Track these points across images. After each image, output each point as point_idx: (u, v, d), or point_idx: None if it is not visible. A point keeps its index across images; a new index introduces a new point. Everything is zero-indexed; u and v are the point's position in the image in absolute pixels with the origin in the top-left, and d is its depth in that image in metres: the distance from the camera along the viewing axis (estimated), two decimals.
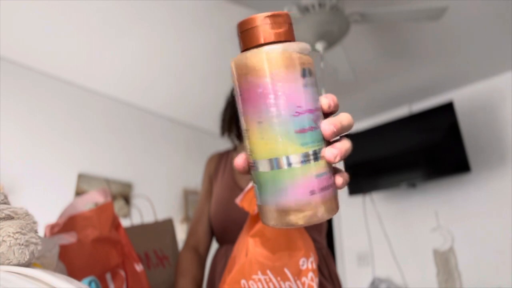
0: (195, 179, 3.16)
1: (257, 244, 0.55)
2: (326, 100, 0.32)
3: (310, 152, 0.30)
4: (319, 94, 0.33)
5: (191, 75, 2.66)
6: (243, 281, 0.53)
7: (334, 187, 0.32)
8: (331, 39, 1.76)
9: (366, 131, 3.05)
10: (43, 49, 2.37)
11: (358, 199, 3.17)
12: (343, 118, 0.33)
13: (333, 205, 0.31)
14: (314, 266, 0.53)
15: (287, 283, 0.51)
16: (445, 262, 2.65)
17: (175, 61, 2.51)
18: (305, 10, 1.75)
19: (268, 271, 0.52)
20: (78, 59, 2.48)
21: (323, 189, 0.30)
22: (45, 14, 2.05)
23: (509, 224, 2.44)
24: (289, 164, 0.30)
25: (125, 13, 2.06)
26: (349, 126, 0.34)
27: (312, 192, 0.30)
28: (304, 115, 0.30)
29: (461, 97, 2.84)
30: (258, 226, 0.57)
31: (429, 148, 2.73)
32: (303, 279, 0.52)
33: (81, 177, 2.57)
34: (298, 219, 0.30)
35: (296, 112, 0.30)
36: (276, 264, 0.53)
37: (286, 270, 0.52)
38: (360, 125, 3.35)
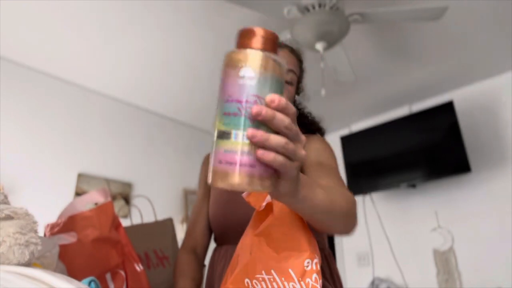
0: (195, 179, 3.16)
1: (261, 244, 0.55)
2: (271, 96, 0.37)
3: (231, 131, 0.37)
4: (279, 93, 0.40)
5: (191, 75, 2.66)
6: (246, 280, 0.53)
7: (257, 167, 0.38)
8: (331, 39, 1.76)
9: (366, 131, 3.05)
10: (43, 49, 2.37)
11: (358, 199, 3.17)
12: (278, 116, 0.37)
13: (249, 181, 0.37)
14: (318, 267, 0.53)
15: (291, 284, 0.51)
16: (445, 262, 2.64)
17: (175, 61, 2.51)
18: (305, 10, 1.75)
19: (272, 271, 0.52)
20: (78, 59, 2.48)
21: (239, 164, 0.37)
22: (45, 14, 2.05)
23: (509, 224, 2.44)
24: (216, 136, 0.39)
25: (125, 14, 2.06)
26: (279, 120, 0.37)
27: (220, 162, 0.37)
28: (232, 102, 0.38)
29: (461, 97, 2.84)
30: (264, 225, 0.57)
31: (429, 148, 2.73)
32: (307, 280, 0.51)
33: (81, 177, 2.57)
34: (213, 180, 0.38)
35: (227, 99, 0.38)
36: (281, 264, 0.53)
37: (290, 271, 0.52)
38: (360, 125, 3.35)
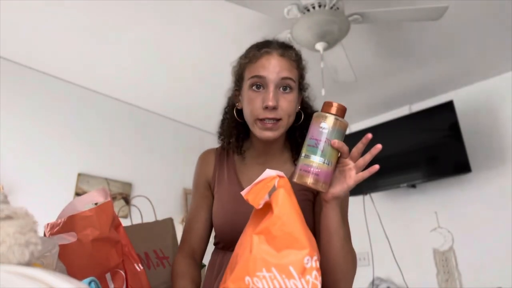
0: None
1: (261, 241, 0.56)
2: (334, 140, 0.68)
3: (310, 155, 0.67)
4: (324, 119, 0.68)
5: (191, 75, 2.66)
6: (247, 278, 0.53)
7: (320, 176, 0.66)
8: (331, 39, 1.76)
9: (365, 131, 3.05)
10: (44, 50, 2.37)
11: (358, 199, 3.16)
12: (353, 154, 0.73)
13: (315, 182, 0.66)
14: (318, 264, 0.53)
15: (291, 281, 0.51)
16: (445, 262, 2.64)
17: (175, 61, 2.51)
18: (305, 10, 1.75)
19: (272, 269, 0.53)
20: (79, 59, 2.48)
21: (312, 172, 0.66)
22: (45, 14, 2.05)
23: (509, 224, 2.44)
24: (302, 156, 0.68)
25: (126, 14, 2.06)
26: (345, 152, 0.70)
27: (300, 169, 0.67)
28: (313, 140, 0.67)
29: (461, 97, 2.84)
30: (264, 223, 0.57)
31: (429, 148, 2.73)
32: (307, 277, 0.52)
33: (81, 177, 2.57)
34: (297, 178, 0.66)
35: (311, 138, 0.68)
36: (281, 262, 0.53)
37: (291, 268, 0.52)
38: (360, 125, 3.34)
